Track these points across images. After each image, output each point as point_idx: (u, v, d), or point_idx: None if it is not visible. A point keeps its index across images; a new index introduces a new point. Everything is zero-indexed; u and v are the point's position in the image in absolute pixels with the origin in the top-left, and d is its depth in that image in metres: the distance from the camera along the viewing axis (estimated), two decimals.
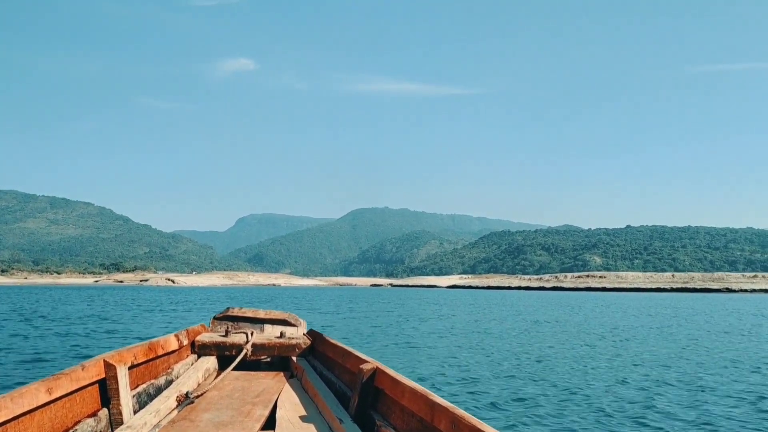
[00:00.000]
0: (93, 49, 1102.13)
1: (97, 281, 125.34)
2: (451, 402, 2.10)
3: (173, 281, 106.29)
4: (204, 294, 49.44)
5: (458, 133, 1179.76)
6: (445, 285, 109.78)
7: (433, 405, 2.10)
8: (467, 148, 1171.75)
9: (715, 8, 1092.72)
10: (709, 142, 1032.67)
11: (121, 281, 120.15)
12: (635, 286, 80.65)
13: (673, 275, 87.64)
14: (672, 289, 77.61)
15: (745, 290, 75.83)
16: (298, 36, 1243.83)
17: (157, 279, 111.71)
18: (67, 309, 23.12)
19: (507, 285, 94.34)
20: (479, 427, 1.82)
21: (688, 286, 78.08)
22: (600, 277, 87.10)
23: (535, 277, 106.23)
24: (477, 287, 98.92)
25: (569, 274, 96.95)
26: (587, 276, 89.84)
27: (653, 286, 79.62)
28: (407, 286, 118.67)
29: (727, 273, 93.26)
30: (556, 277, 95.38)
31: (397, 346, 11.12)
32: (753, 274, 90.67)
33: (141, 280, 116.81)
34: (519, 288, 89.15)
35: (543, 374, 7.86)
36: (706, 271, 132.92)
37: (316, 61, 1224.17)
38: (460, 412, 1.96)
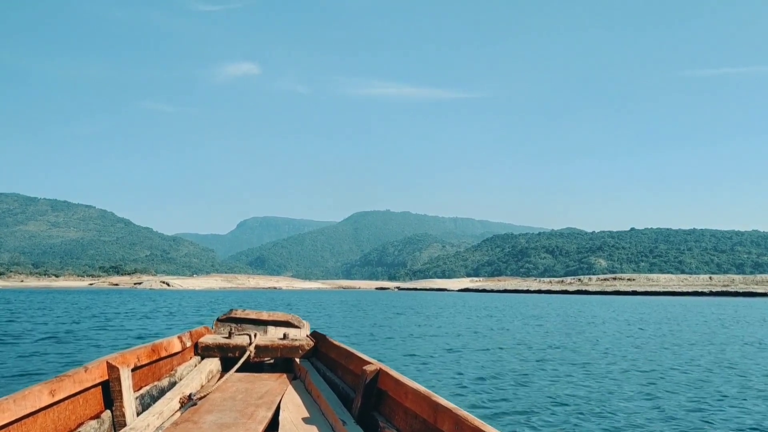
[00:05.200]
0: (96, 53, 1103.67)
1: (91, 284, 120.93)
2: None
3: (168, 284, 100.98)
4: (190, 299, 43.27)
5: (460, 137, 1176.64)
6: (456, 288, 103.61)
7: (437, 406, 2.07)
8: (469, 151, 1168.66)
9: (719, 10, 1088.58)
10: (713, 145, 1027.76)
11: (117, 284, 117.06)
12: (669, 289, 74.10)
13: (710, 278, 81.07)
14: (711, 293, 71.25)
15: None
16: (300, 40, 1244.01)
17: (151, 282, 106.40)
18: None
19: (525, 288, 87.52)
20: (482, 428, 1.77)
21: (729, 289, 71.46)
22: (629, 279, 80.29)
23: (556, 279, 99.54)
24: (492, 291, 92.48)
25: (593, 277, 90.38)
26: (614, 278, 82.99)
27: (689, 290, 73.21)
28: (415, 289, 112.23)
29: None
30: (580, 279, 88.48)
31: None
32: None
33: (135, 283, 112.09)
34: (539, 291, 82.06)
35: None
36: (713, 273, 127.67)
37: (318, 64, 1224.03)
38: (464, 413, 1.91)
